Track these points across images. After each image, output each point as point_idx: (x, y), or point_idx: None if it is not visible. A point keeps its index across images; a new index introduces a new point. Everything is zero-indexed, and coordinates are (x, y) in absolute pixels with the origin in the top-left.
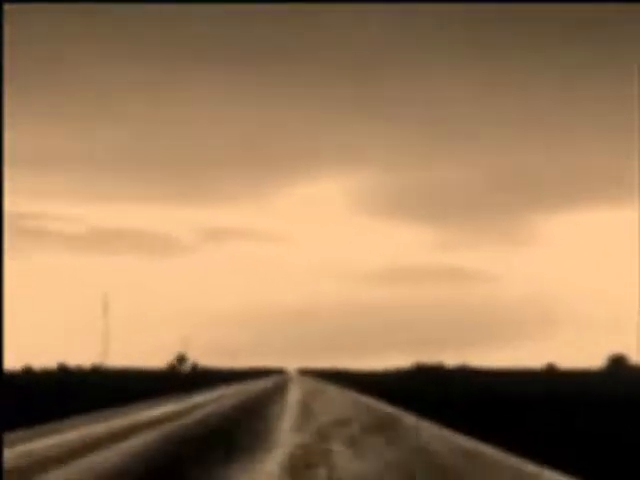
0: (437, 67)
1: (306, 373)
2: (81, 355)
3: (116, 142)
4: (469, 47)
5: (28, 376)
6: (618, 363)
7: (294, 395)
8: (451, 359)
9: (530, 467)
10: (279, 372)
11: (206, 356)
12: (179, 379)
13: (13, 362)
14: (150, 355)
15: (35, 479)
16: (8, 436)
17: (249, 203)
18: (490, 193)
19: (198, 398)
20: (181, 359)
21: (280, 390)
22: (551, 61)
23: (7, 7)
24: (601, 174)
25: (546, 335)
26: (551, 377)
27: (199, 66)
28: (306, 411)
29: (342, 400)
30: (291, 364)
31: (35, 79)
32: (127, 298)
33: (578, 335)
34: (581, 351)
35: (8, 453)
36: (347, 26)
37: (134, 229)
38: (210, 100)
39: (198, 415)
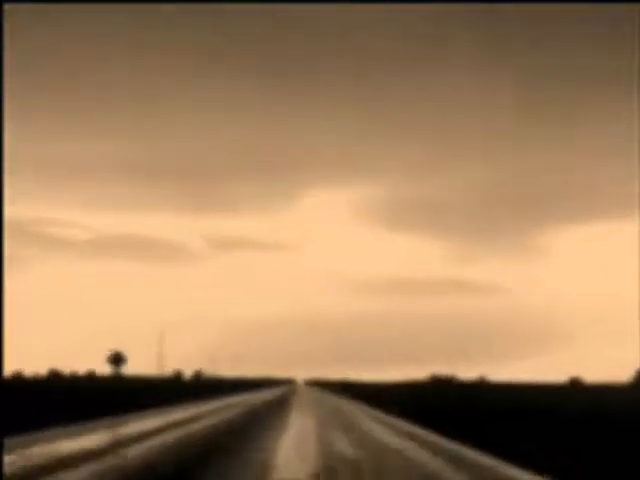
0: (445, 80)
1: (314, 384)
2: (92, 363)
3: (127, 151)
4: (477, 59)
5: (18, 382)
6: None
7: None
8: (462, 371)
9: None
10: (285, 382)
11: (214, 365)
12: (180, 388)
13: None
14: (160, 363)
15: None
16: None
17: (258, 213)
18: (500, 206)
19: (176, 415)
20: (117, 358)
21: (279, 406)
22: (559, 76)
23: (7, 7)
24: (611, 188)
25: (559, 347)
26: (567, 390)
27: (209, 76)
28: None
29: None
30: (300, 374)
31: (42, 83)
32: (135, 305)
33: (601, 348)
34: (605, 363)
35: None
36: (354, 35)
37: (144, 237)
38: (221, 111)
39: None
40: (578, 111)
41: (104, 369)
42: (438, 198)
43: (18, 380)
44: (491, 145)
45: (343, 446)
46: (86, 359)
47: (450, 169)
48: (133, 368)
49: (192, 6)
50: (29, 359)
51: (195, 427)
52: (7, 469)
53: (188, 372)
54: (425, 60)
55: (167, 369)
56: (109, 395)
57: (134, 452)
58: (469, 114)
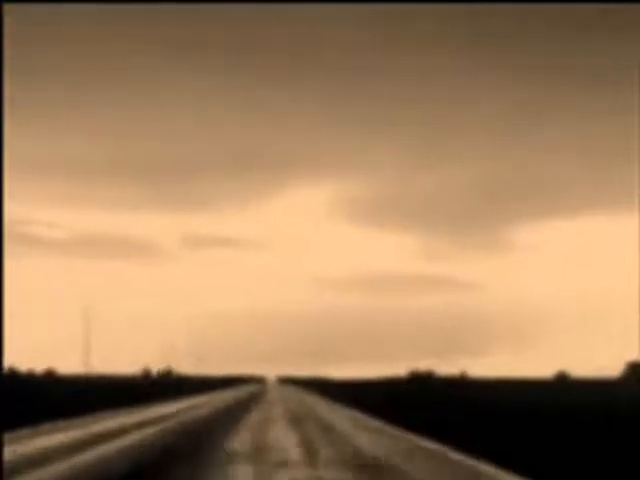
0: (423, 78)
1: (286, 382)
2: (58, 361)
3: (101, 149)
4: (458, 57)
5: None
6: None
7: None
8: (442, 367)
9: None
10: (256, 380)
11: (185, 363)
12: (147, 387)
13: None
14: (128, 362)
15: None
16: None
17: (231, 211)
18: (474, 202)
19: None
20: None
21: (243, 408)
22: (538, 73)
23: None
24: (586, 183)
25: (542, 342)
26: (553, 385)
27: (183, 70)
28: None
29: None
30: (272, 372)
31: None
32: (107, 304)
33: (585, 342)
34: (590, 357)
35: None
36: (338, 29)
37: (115, 235)
38: (193, 108)
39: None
40: (550, 109)
41: (69, 367)
42: (413, 195)
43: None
44: (466, 143)
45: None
46: (50, 357)
47: (425, 167)
48: (102, 366)
49: (168, 5)
50: None
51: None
52: None
53: (158, 370)
54: (405, 57)
55: (136, 367)
56: (64, 395)
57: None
58: (445, 113)
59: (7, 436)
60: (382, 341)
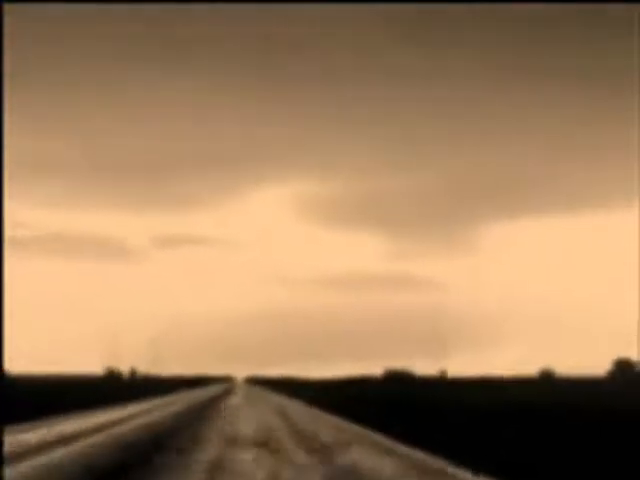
0: (395, 75)
1: (255, 382)
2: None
3: (70, 148)
4: (433, 52)
5: None
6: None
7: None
8: (419, 367)
9: None
10: (223, 380)
11: (151, 363)
12: (113, 387)
13: None
14: (91, 362)
15: None
16: None
17: (201, 210)
18: (441, 201)
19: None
20: None
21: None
22: (512, 70)
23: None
24: (552, 182)
25: (489, 343)
26: (537, 383)
27: (154, 70)
28: None
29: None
30: (241, 371)
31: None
32: (74, 303)
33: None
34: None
35: None
36: (309, 30)
37: (85, 234)
38: (164, 107)
39: None
40: (518, 108)
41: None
42: (381, 195)
43: None
44: (432, 143)
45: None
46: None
47: (394, 167)
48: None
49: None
50: None
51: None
52: None
53: (124, 370)
54: (374, 58)
55: (100, 368)
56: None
57: None
58: (412, 113)
59: None
60: (354, 341)
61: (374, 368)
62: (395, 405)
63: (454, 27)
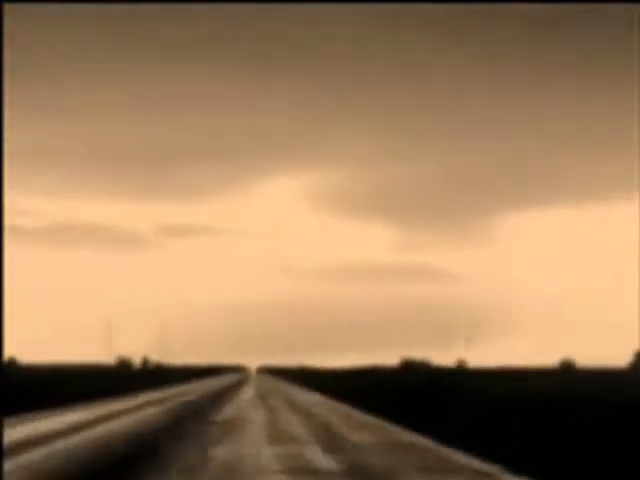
0: (399, 67)
1: (268, 372)
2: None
3: (80, 137)
4: (438, 43)
5: None
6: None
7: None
8: (436, 356)
9: None
10: (236, 370)
11: (164, 352)
12: (124, 377)
13: None
14: (104, 351)
15: None
16: None
17: (212, 199)
18: (454, 192)
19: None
20: None
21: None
22: (516, 62)
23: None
24: (565, 174)
25: (504, 335)
26: (558, 374)
27: (161, 61)
28: None
29: None
30: (254, 361)
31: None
32: (84, 293)
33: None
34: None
35: None
36: (315, 21)
37: (94, 224)
38: (171, 97)
39: None
40: (531, 98)
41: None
42: (394, 185)
43: None
44: (447, 132)
45: None
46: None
47: (403, 156)
48: (81, 356)
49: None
50: None
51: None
52: None
53: (137, 360)
54: (383, 48)
55: (114, 357)
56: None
57: None
58: (426, 103)
59: None
60: (369, 330)
61: (390, 358)
62: (409, 394)
63: (456, 21)
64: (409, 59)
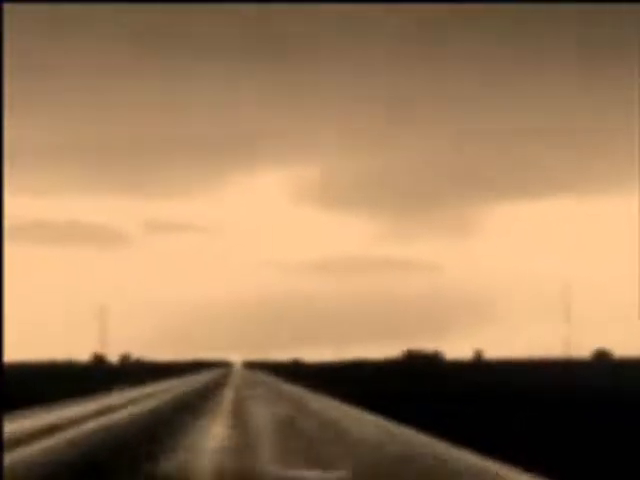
0: (383, 55)
1: (253, 366)
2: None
3: (63, 134)
4: (420, 32)
5: None
6: None
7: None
8: (448, 347)
9: None
10: (220, 365)
11: (152, 348)
12: (103, 373)
13: None
14: (85, 348)
15: None
16: None
17: (192, 196)
18: (434, 183)
19: None
20: None
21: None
22: (501, 49)
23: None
24: (545, 166)
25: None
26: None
27: (146, 60)
28: None
29: None
30: (239, 356)
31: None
32: (70, 290)
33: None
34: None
35: None
36: (291, 18)
37: (77, 221)
38: (155, 93)
39: None
40: (517, 90)
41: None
42: (373, 176)
43: None
44: (431, 124)
45: None
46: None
47: (384, 147)
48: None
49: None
50: None
51: None
52: None
53: (112, 356)
54: (362, 40)
55: (88, 353)
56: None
57: None
58: (410, 94)
59: None
60: (376, 322)
61: (397, 350)
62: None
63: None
64: (389, 50)
